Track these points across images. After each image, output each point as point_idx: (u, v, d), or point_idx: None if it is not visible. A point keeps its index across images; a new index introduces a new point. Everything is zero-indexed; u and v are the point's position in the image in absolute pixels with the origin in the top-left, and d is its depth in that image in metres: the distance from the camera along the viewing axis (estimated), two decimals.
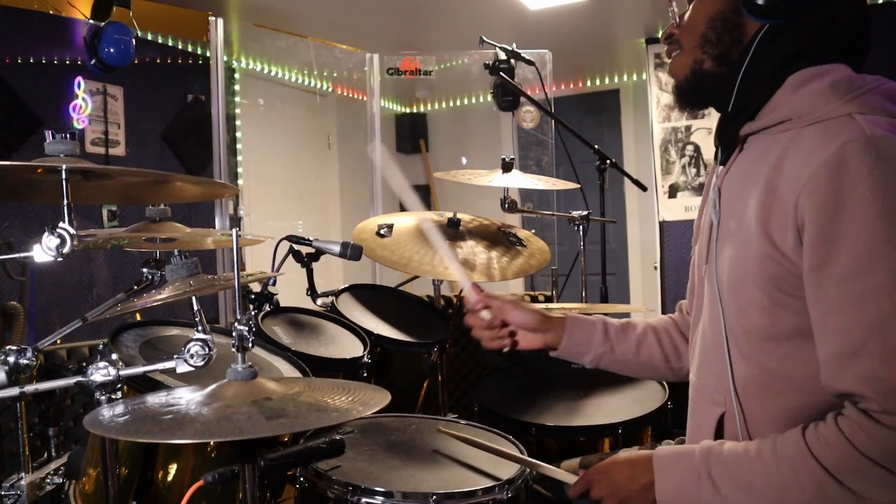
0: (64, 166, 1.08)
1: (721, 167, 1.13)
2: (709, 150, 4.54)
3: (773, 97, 1.05)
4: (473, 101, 6.05)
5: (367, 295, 2.11)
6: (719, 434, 1.08)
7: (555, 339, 1.33)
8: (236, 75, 4.58)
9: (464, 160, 6.04)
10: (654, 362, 1.36)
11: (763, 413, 1.03)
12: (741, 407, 1.05)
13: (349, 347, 1.77)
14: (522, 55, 2.55)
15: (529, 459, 1.23)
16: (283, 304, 1.92)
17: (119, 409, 0.98)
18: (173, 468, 1.25)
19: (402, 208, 1.19)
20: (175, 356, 1.11)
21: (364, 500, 1.10)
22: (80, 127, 3.53)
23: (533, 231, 2.35)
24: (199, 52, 4.15)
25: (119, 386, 1.11)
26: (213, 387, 0.99)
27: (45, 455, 1.48)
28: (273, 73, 4.95)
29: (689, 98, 1.16)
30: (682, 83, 1.15)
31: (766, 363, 1.02)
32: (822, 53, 1.04)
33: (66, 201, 1.10)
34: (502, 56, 2.48)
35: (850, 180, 0.89)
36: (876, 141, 0.90)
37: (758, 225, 0.99)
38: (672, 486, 1.02)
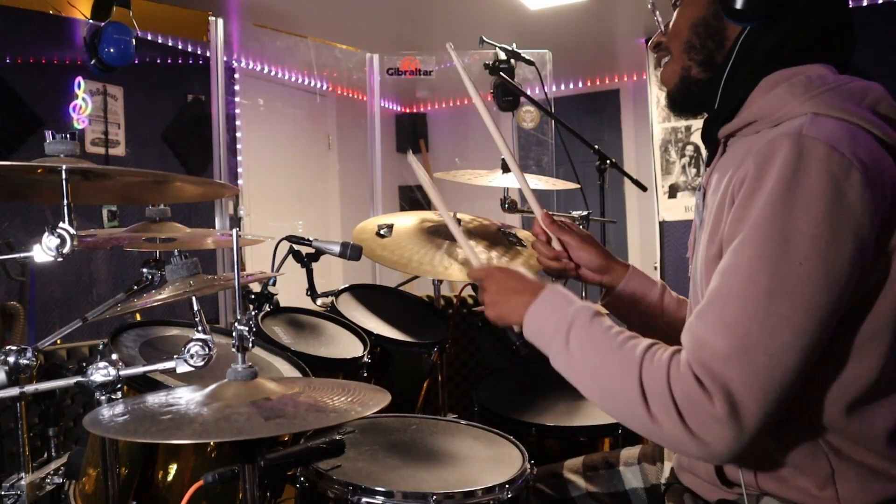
0: (64, 166, 1.08)
1: (708, 168, 1.15)
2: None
3: (747, 99, 1.06)
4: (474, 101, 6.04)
5: (367, 295, 2.11)
6: None
7: (612, 282, 1.38)
8: (236, 75, 4.59)
9: (457, 160, 6.04)
10: None
11: None
12: None
13: (349, 347, 1.77)
14: (522, 55, 2.55)
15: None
16: (283, 304, 1.92)
17: (119, 409, 0.98)
18: (173, 468, 1.25)
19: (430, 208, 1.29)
20: (175, 356, 1.11)
21: (364, 499, 1.10)
22: (80, 127, 3.53)
23: None
24: (199, 52, 4.15)
25: (119, 386, 1.11)
26: (212, 387, 0.99)
27: (45, 455, 1.48)
28: (273, 73, 4.95)
29: (681, 105, 1.18)
30: (674, 91, 1.17)
31: None
32: (801, 53, 1.04)
33: (66, 201, 1.10)
34: (502, 56, 2.48)
35: (766, 170, 0.91)
36: (805, 140, 0.91)
37: (714, 221, 1.02)
38: (538, 316, 1.09)
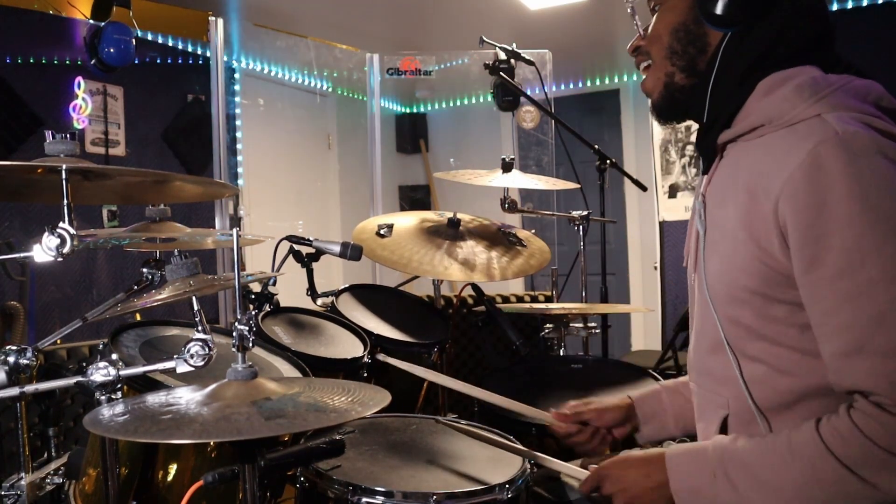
0: (64, 166, 1.08)
1: (704, 176, 1.15)
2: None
3: (745, 104, 1.05)
4: (473, 101, 6.05)
5: (367, 295, 2.11)
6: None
7: (636, 422, 1.40)
8: (236, 75, 4.59)
9: (451, 160, 6.04)
10: None
11: (770, 410, 1.04)
12: (755, 406, 1.05)
13: (349, 347, 1.77)
14: (522, 55, 2.55)
15: (540, 455, 1.24)
16: (283, 304, 1.92)
17: (119, 408, 0.98)
18: (173, 468, 1.25)
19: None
20: (175, 356, 1.11)
21: (364, 499, 1.09)
22: (80, 127, 3.53)
23: (533, 231, 2.36)
24: (199, 52, 4.15)
25: (119, 386, 1.11)
26: (212, 387, 0.99)
27: (45, 455, 1.48)
28: (273, 73, 4.95)
29: (666, 113, 1.17)
30: (658, 100, 1.16)
31: (770, 360, 1.03)
32: (788, 56, 1.04)
33: (66, 201, 1.10)
34: (502, 56, 2.48)
35: (827, 180, 0.90)
36: (847, 137, 0.91)
37: (742, 231, 1.00)
38: (687, 485, 1.02)
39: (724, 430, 1.09)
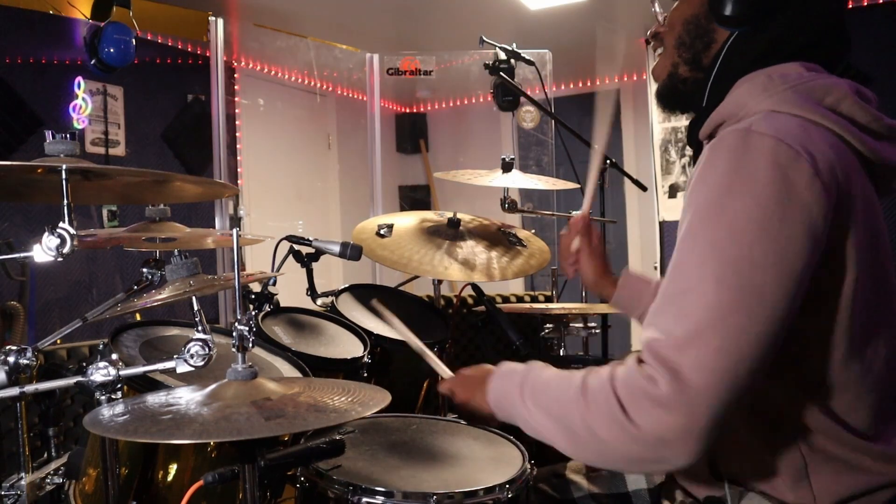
0: (64, 166, 1.08)
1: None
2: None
3: (723, 101, 1.06)
4: (473, 101, 6.05)
5: (367, 295, 2.11)
6: None
7: (606, 296, 1.51)
8: (236, 75, 4.59)
9: (461, 159, 6.04)
10: None
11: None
12: None
13: (349, 347, 1.77)
14: (522, 55, 2.55)
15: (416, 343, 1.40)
16: (283, 304, 1.92)
17: (119, 408, 0.98)
18: (173, 468, 1.25)
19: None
20: (175, 356, 1.11)
21: (365, 499, 1.09)
22: (80, 127, 3.53)
23: (533, 231, 2.35)
24: (199, 52, 4.15)
25: (119, 386, 1.11)
26: (212, 387, 0.99)
27: (45, 455, 1.48)
28: (273, 73, 4.95)
29: (666, 101, 1.19)
30: (661, 87, 1.18)
31: None
32: (787, 55, 1.04)
33: (66, 201, 1.10)
34: (502, 56, 2.48)
35: (713, 160, 0.92)
36: (752, 134, 0.91)
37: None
38: (498, 391, 1.11)
39: None
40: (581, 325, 2.46)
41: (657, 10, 1.19)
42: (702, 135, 1.10)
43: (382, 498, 1.09)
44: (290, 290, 2.12)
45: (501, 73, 2.44)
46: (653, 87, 4.51)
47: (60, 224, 1.08)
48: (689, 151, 4.49)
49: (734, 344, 0.85)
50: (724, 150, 0.92)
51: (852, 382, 0.97)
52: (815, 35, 1.06)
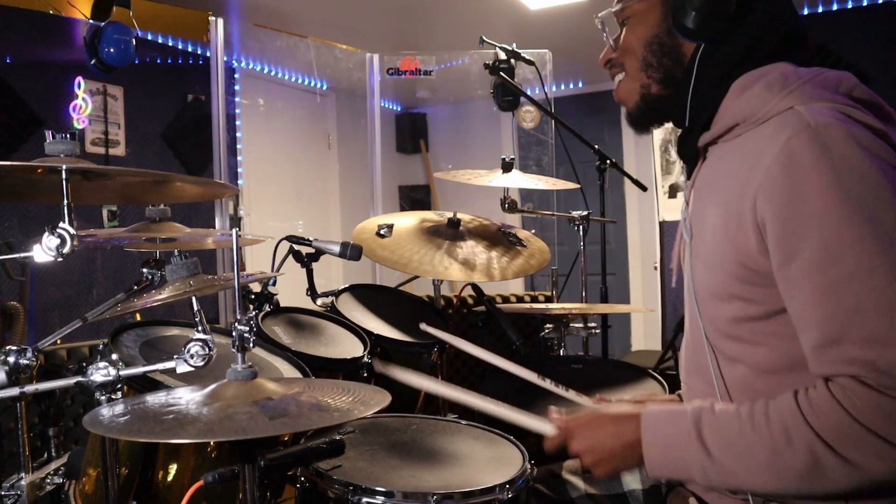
0: (64, 166, 1.08)
1: (688, 181, 1.16)
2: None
3: (721, 105, 1.06)
4: (473, 101, 6.05)
5: (367, 295, 2.11)
6: None
7: None
8: (236, 75, 4.59)
9: (450, 167, 6.04)
10: None
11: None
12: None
13: (349, 347, 1.77)
14: (522, 55, 2.55)
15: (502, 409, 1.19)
16: (283, 304, 1.92)
17: (119, 408, 0.98)
18: (173, 468, 1.25)
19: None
20: (175, 356, 1.11)
21: (365, 499, 1.10)
22: (80, 127, 3.53)
23: (533, 231, 2.35)
24: (199, 52, 4.15)
25: (119, 386, 1.11)
26: (212, 387, 0.99)
27: (45, 455, 1.48)
28: (273, 73, 4.95)
29: (642, 122, 1.19)
30: (634, 110, 1.17)
31: (749, 362, 1.03)
32: (764, 57, 1.05)
33: (66, 201, 1.10)
34: (502, 56, 2.48)
35: (802, 172, 0.90)
36: (820, 129, 0.91)
37: (721, 232, 1.00)
38: (660, 445, 0.99)
39: None
40: (581, 325, 2.46)
41: (606, 33, 1.19)
42: (702, 141, 1.09)
43: (382, 498, 1.09)
44: (290, 290, 2.12)
45: (501, 73, 2.44)
46: None
47: (60, 224, 1.08)
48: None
49: None
50: (805, 155, 0.90)
51: None
52: (786, 37, 1.06)
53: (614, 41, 1.18)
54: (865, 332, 0.86)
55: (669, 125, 1.20)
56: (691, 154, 1.13)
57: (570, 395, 1.34)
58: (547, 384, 1.34)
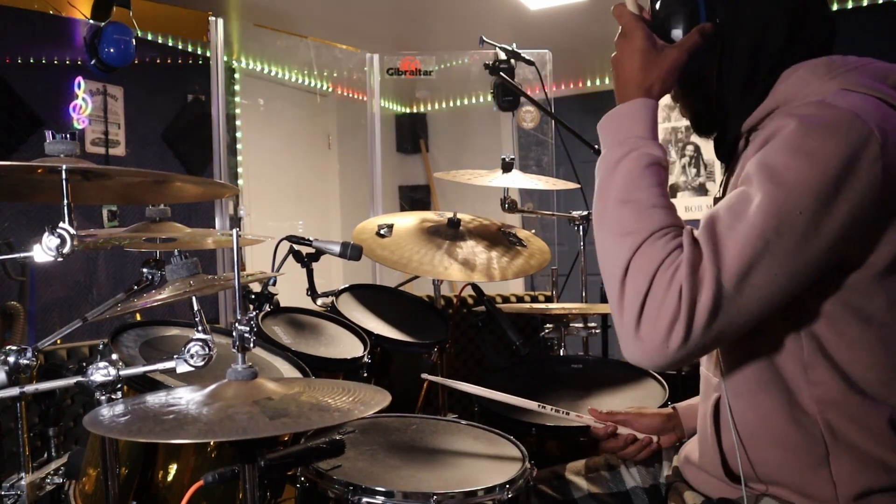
0: (64, 166, 1.08)
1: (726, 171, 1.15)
2: (709, 151, 4.53)
3: (768, 94, 1.06)
4: (473, 101, 6.05)
5: (367, 295, 2.11)
6: (716, 418, 1.10)
7: (681, 432, 1.36)
8: (236, 75, 4.59)
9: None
10: None
11: (751, 393, 1.05)
12: (729, 392, 1.07)
13: (349, 347, 1.77)
14: (522, 55, 2.54)
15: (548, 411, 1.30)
16: (283, 304, 1.92)
17: (119, 408, 0.98)
18: (173, 468, 1.25)
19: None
20: (175, 356, 1.11)
21: (365, 499, 1.09)
22: (80, 127, 3.53)
23: (533, 231, 2.36)
24: (199, 52, 4.15)
25: (119, 386, 1.11)
26: (213, 387, 0.99)
27: (45, 455, 1.48)
28: (273, 73, 4.95)
29: (706, 129, 1.19)
30: (694, 123, 1.19)
31: (748, 347, 1.04)
32: (802, 55, 1.05)
33: (66, 201, 1.09)
34: (502, 56, 2.47)
35: (790, 123, 0.93)
36: (827, 105, 0.93)
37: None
38: (615, 119, 1.08)
39: (716, 411, 1.10)
40: (581, 325, 2.46)
41: None
42: (746, 125, 1.09)
43: (382, 498, 1.09)
44: (290, 290, 2.12)
45: (501, 73, 2.44)
46: None
47: (60, 224, 1.08)
48: (689, 151, 4.49)
49: (753, 283, 0.89)
50: (801, 115, 0.93)
51: (881, 365, 0.97)
52: (820, 31, 1.06)
53: None
54: (727, 233, 0.91)
55: (670, 124, 1.21)
56: (729, 147, 1.13)
57: (572, 417, 1.37)
58: (548, 411, 1.38)
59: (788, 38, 1.04)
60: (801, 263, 0.90)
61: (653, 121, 1.06)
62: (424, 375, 1.55)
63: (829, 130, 0.90)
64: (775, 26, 1.04)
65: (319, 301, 1.98)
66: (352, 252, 1.87)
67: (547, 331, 2.39)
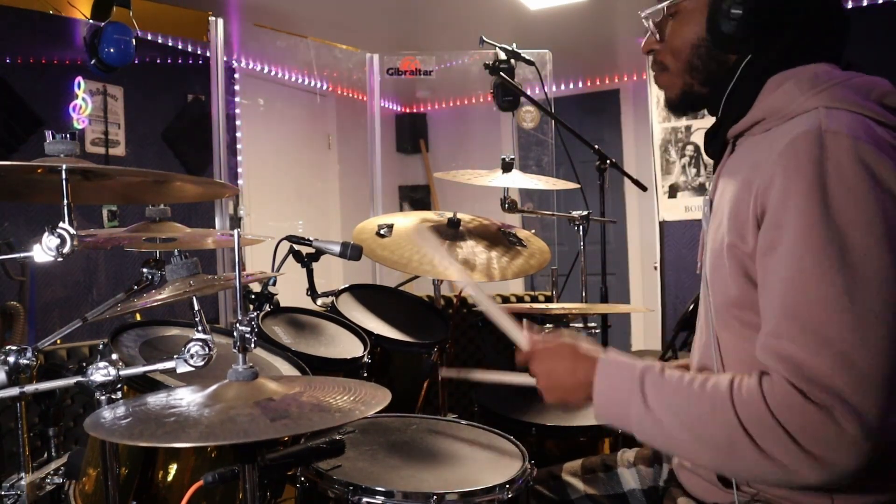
0: (64, 166, 1.08)
1: (714, 173, 1.16)
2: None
3: (756, 100, 1.06)
4: (473, 101, 6.05)
5: (367, 295, 2.11)
6: None
7: None
8: (236, 75, 4.58)
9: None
10: None
11: None
12: None
13: (349, 347, 1.77)
14: (522, 55, 2.55)
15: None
16: (283, 304, 1.92)
17: (121, 411, 0.97)
18: (173, 468, 1.25)
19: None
20: (175, 356, 1.11)
21: (365, 499, 1.10)
22: (80, 127, 3.53)
23: (533, 231, 2.35)
24: (199, 52, 4.15)
25: (119, 386, 1.11)
26: (214, 388, 0.99)
27: (45, 455, 1.48)
28: (273, 73, 4.95)
29: (681, 111, 1.21)
30: (674, 100, 1.19)
31: (742, 356, 1.04)
32: (802, 57, 1.05)
33: (66, 201, 1.09)
34: (502, 56, 2.48)
35: (795, 169, 0.92)
36: (827, 135, 0.92)
37: (730, 220, 1.02)
38: (607, 391, 1.04)
39: None
40: (581, 325, 2.46)
41: (651, 25, 1.18)
42: (731, 133, 1.10)
43: (382, 498, 1.09)
44: (290, 290, 2.12)
45: (501, 73, 2.44)
46: (653, 88, 4.51)
47: (60, 224, 1.08)
48: (689, 151, 4.49)
49: (883, 352, 0.86)
50: (805, 156, 0.91)
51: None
52: (827, 33, 1.07)
53: (659, 31, 1.17)
54: (800, 332, 0.89)
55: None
56: (718, 147, 1.14)
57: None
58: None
59: (793, 45, 1.05)
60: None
61: (619, 361, 1.06)
62: (444, 371, 1.55)
63: (840, 162, 0.90)
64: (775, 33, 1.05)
65: (319, 301, 1.98)
66: (352, 252, 1.86)
67: (547, 331, 2.39)
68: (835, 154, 0.90)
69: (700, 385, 0.96)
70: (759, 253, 0.96)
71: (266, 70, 4.88)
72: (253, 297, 1.89)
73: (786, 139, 0.95)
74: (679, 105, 1.18)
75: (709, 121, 1.18)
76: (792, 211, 0.91)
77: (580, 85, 5.74)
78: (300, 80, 5.15)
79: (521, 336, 1.22)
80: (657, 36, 1.17)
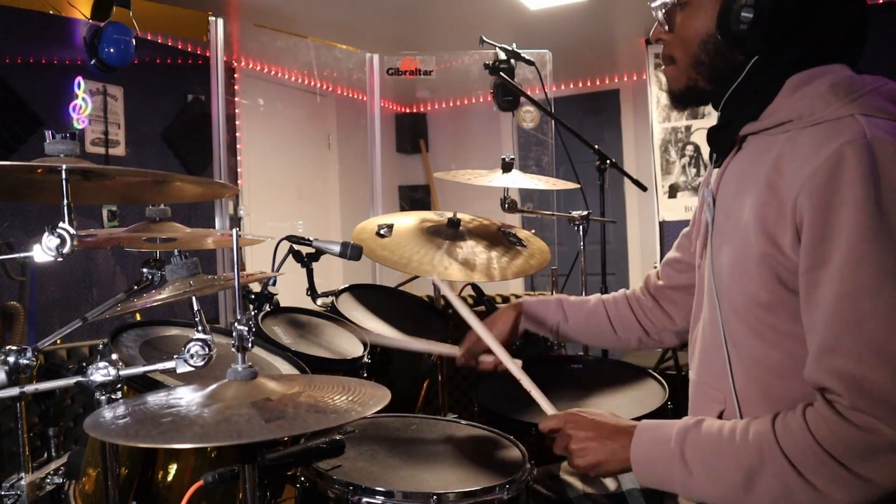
0: (64, 166, 1.08)
1: (716, 169, 1.15)
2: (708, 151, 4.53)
3: (774, 101, 1.05)
4: (473, 101, 6.05)
5: (367, 295, 2.11)
6: None
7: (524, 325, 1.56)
8: (236, 75, 4.59)
9: (452, 166, 6.04)
10: (602, 331, 1.54)
11: (762, 411, 1.03)
12: (740, 407, 1.06)
13: (349, 347, 1.77)
14: (522, 55, 2.54)
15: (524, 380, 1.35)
16: (283, 304, 1.92)
17: (119, 410, 0.97)
18: (173, 468, 1.25)
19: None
20: (175, 356, 1.11)
21: (365, 499, 1.09)
22: (80, 127, 3.53)
23: (533, 231, 2.35)
24: (199, 52, 4.15)
25: (119, 386, 1.11)
26: (213, 387, 0.99)
27: (45, 455, 1.48)
28: (273, 73, 4.95)
29: (684, 105, 1.20)
30: (677, 94, 1.18)
31: (766, 362, 1.03)
32: (820, 58, 1.05)
33: (66, 201, 1.09)
34: (502, 56, 2.47)
35: (846, 181, 0.90)
36: (874, 143, 0.91)
37: (757, 224, 1.00)
38: (646, 462, 1.04)
39: None
40: None
41: (660, 17, 1.16)
42: (746, 131, 1.08)
43: (382, 498, 1.09)
44: (290, 290, 2.12)
45: (501, 73, 2.44)
46: (652, 88, 4.52)
47: (60, 224, 1.08)
48: (689, 151, 4.49)
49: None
50: (851, 164, 0.90)
51: None
52: (845, 35, 1.06)
53: (668, 21, 1.15)
54: (857, 347, 0.88)
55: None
56: (725, 143, 1.13)
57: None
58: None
59: (808, 49, 1.04)
60: None
61: (655, 429, 1.06)
62: (438, 284, 1.61)
63: (886, 169, 0.89)
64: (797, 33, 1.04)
65: (319, 301, 1.98)
66: (352, 252, 1.86)
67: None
68: (886, 162, 0.90)
69: (741, 436, 0.96)
70: (805, 267, 0.94)
71: (266, 70, 4.88)
72: (253, 297, 1.89)
73: (824, 147, 0.93)
74: (681, 99, 1.18)
75: (709, 121, 1.18)
76: (843, 223, 0.89)
77: (580, 85, 5.74)
78: (300, 80, 5.15)
79: (548, 405, 1.27)
80: (665, 26, 1.16)
